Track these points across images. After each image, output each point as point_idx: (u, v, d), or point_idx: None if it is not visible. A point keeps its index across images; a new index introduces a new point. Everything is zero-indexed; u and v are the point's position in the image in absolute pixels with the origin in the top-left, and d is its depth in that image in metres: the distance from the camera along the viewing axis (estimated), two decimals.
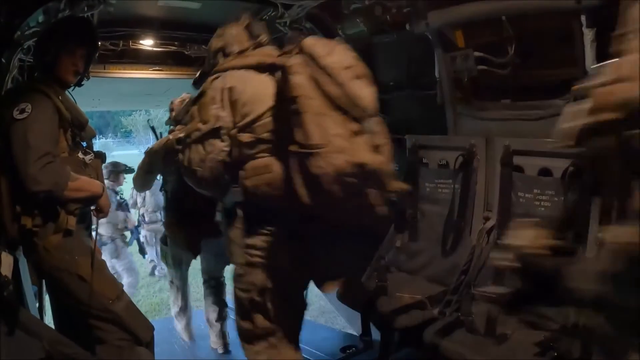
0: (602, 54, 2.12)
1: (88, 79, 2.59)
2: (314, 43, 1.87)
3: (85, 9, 2.78)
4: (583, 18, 2.08)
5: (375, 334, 3.02)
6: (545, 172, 2.47)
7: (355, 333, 3.72)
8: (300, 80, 1.79)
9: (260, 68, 2.02)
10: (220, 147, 1.99)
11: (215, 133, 1.98)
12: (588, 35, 2.09)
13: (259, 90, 1.98)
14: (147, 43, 3.73)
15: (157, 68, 4.00)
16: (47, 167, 2.06)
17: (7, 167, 2.10)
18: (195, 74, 2.45)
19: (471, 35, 2.73)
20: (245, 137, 1.97)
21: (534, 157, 2.51)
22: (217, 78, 2.06)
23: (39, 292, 2.84)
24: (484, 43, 2.68)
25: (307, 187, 1.77)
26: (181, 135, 2.20)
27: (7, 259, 2.25)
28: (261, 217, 2.01)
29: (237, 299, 2.17)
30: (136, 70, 3.96)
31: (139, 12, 3.41)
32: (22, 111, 2.10)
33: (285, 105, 1.84)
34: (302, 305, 2.26)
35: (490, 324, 2.36)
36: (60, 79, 2.37)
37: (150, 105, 12.61)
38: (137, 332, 2.40)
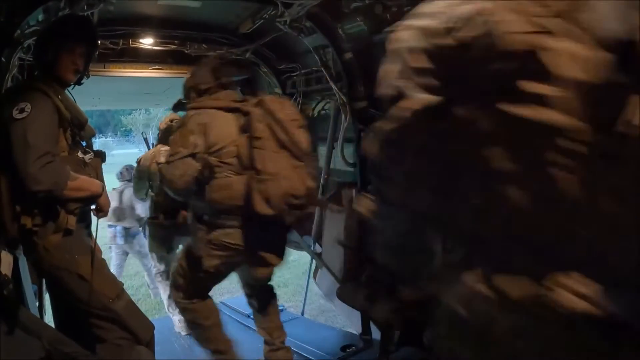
0: None
1: (88, 77, 2.59)
2: (271, 100, 2.60)
3: (85, 7, 2.78)
4: None
5: (376, 333, 3.03)
6: None
7: (355, 332, 3.72)
8: (261, 126, 2.50)
9: (227, 110, 2.63)
10: (195, 166, 2.57)
11: (192, 156, 2.57)
12: None
13: (225, 127, 2.60)
14: (147, 42, 3.73)
15: (157, 67, 4.00)
16: (46, 167, 2.06)
17: (6, 166, 2.10)
18: None
19: None
20: (214, 160, 2.57)
21: None
22: (194, 115, 2.65)
23: (39, 291, 2.84)
24: None
25: (263, 202, 2.43)
26: (162, 159, 2.98)
27: (7, 258, 2.25)
28: (220, 220, 2.62)
29: (185, 278, 2.82)
30: (136, 69, 3.96)
31: (139, 10, 3.41)
32: (22, 111, 2.10)
33: (245, 140, 2.53)
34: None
35: None
36: (60, 77, 2.37)
37: (150, 104, 12.62)
38: (137, 331, 2.40)
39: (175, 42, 3.79)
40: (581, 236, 1.03)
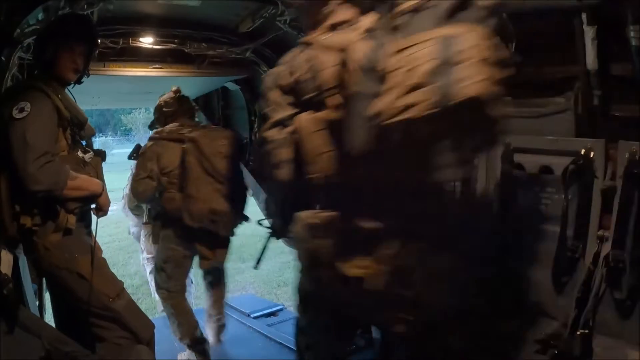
0: (603, 52, 2.12)
1: (88, 76, 2.58)
2: (203, 136, 3.27)
3: (85, 6, 2.78)
4: (584, 16, 2.08)
5: (376, 332, 3.03)
6: (546, 169, 2.47)
7: None
8: (191, 159, 3.22)
9: (175, 140, 3.34)
10: (152, 185, 3.34)
11: (150, 176, 3.32)
12: (589, 32, 2.08)
13: (173, 155, 3.32)
14: (147, 41, 3.72)
15: (157, 66, 3.98)
16: (46, 166, 2.06)
17: (6, 166, 2.10)
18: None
19: None
20: (165, 180, 3.34)
21: (535, 154, 2.50)
22: (152, 145, 3.39)
23: (39, 291, 2.84)
24: None
25: (188, 216, 3.22)
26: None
27: (7, 257, 2.25)
28: (169, 223, 3.42)
29: (158, 268, 3.54)
30: (136, 68, 3.94)
31: (139, 9, 3.40)
32: (21, 110, 2.10)
33: (183, 167, 3.27)
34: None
35: None
36: (60, 76, 2.37)
37: (150, 103, 12.59)
38: (137, 331, 2.40)
39: (175, 41, 3.77)
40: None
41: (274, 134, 1.78)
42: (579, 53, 2.18)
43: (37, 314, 2.74)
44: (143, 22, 3.54)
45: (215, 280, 3.81)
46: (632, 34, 1.92)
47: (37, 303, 2.83)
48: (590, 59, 2.13)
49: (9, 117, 2.09)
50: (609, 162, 2.11)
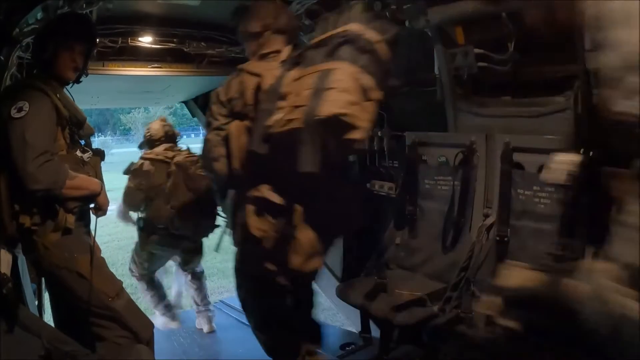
0: None
1: (86, 75, 2.58)
2: (184, 161, 3.86)
3: (84, 5, 2.77)
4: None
5: (375, 331, 3.03)
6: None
7: (354, 330, 3.72)
8: (177, 179, 3.82)
9: (161, 162, 3.93)
10: (141, 196, 3.90)
11: (139, 189, 3.90)
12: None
13: (160, 173, 3.89)
14: (146, 40, 3.72)
15: (156, 65, 3.98)
16: (45, 166, 2.06)
17: (5, 165, 2.10)
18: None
19: (471, 31, 2.72)
20: (152, 193, 3.87)
21: (534, 154, 2.51)
22: (142, 163, 3.96)
23: (38, 290, 2.84)
24: (484, 40, 2.67)
25: (172, 223, 3.83)
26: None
27: (6, 256, 2.25)
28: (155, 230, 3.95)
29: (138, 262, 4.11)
30: (135, 67, 3.93)
31: (138, 8, 3.40)
32: (20, 109, 2.09)
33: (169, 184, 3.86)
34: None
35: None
36: (60, 76, 2.36)
37: (150, 102, 12.60)
38: (137, 330, 2.40)
39: (175, 40, 3.77)
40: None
41: (213, 136, 2.27)
42: (579, 52, 2.18)
43: (37, 313, 2.74)
44: (142, 21, 3.53)
45: (194, 273, 4.36)
46: None
47: (37, 302, 2.83)
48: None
49: (8, 117, 2.08)
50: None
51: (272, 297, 2.51)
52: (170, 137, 4.20)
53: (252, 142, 2.10)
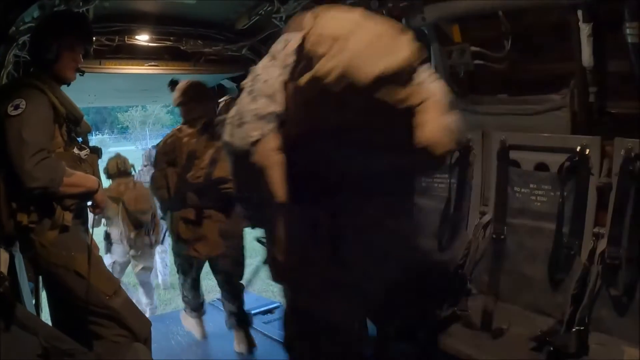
0: (599, 49, 2.12)
1: (82, 74, 2.57)
2: (127, 198, 4.72)
3: (81, 3, 2.77)
4: (580, 13, 2.08)
5: (372, 329, 3.03)
6: (541, 166, 2.48)
7: None
8: (123, 214, 4.70)
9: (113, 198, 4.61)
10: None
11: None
12: (585, 30, 2.09)
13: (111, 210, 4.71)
14: (143, 38, 3.71)
15: (153, 63, 3.98)
16: (42, 163, 2.05)
17: (2, 163, 2.10)
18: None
19: (468, 29, 2.73)
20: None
21: (531, 151, 2.52)
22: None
23: (36, 289, 2.84)
24: (481, 37, 2.67)
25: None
26: None
27: (3, 255, 2.24)
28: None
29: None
30: (132, 65, 3.93)
31: (135, 7, 3.39)
32: (17, 107, 2.09)
33: None
34: None
35: (487, 319, 2.37)
36: (61, 75, 2.36)
37: (147, 100, 12.55)
38: (134, 328, 2.40)
39: (172, 38, 3.77)
40: None
41: (158, 174, 3.50)
42: (575, 50, 2.18)
43: (34, 312, 2.74)
44: (139, 19, 3.52)
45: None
46: (628, 31, 1.93)
47: (34, 301, 2.83)
48: (586, 56, 2.13)
49: (5, 114, 2.08)
50: (604, 159, 2.14)
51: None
52: (123, 173, 4.96)
53: (180, 184, 3.35)
